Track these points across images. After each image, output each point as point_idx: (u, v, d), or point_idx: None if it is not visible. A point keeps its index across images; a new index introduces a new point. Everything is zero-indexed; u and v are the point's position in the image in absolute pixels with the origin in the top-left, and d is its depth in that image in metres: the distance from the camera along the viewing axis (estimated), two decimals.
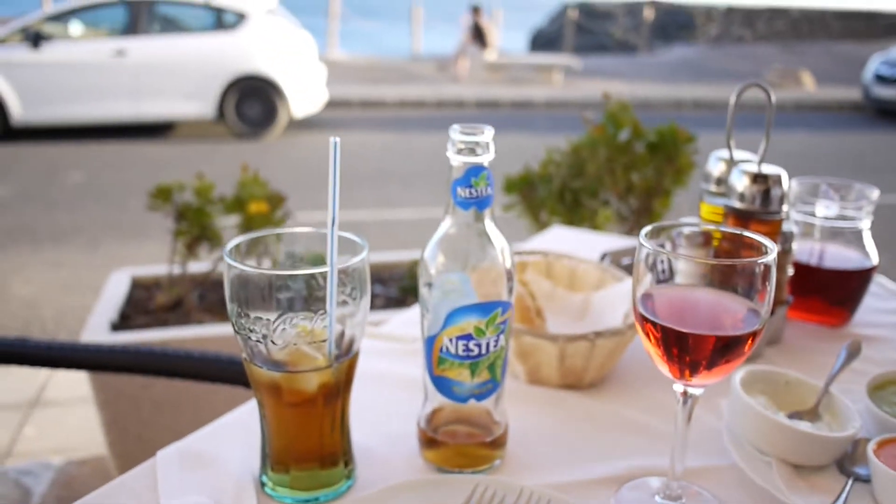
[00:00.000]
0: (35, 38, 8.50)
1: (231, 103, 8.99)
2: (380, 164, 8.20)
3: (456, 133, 0.84)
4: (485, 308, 0.86)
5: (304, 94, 9.34)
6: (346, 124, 10.55)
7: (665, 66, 18.39)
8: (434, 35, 21.29)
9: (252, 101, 9.08)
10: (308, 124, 9.98)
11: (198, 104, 8.98)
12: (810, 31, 24.81)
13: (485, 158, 0.84)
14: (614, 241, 1.85)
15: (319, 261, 0.84)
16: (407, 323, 1.34)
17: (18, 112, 8.59)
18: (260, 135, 9.15)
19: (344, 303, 0.81)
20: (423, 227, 6.12)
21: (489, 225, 0.87)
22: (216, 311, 2.43)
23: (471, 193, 0.85)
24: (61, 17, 9.06)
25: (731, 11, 26.24)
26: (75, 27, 9.19)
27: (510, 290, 0.88)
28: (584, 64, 15.61)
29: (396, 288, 2.79)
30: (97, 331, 2.19)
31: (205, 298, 2.53)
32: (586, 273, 1.37)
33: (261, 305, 0.79)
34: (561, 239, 1.88)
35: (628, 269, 1.46)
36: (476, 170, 0.84)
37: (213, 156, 8.55)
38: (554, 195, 2.37)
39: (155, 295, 2.49)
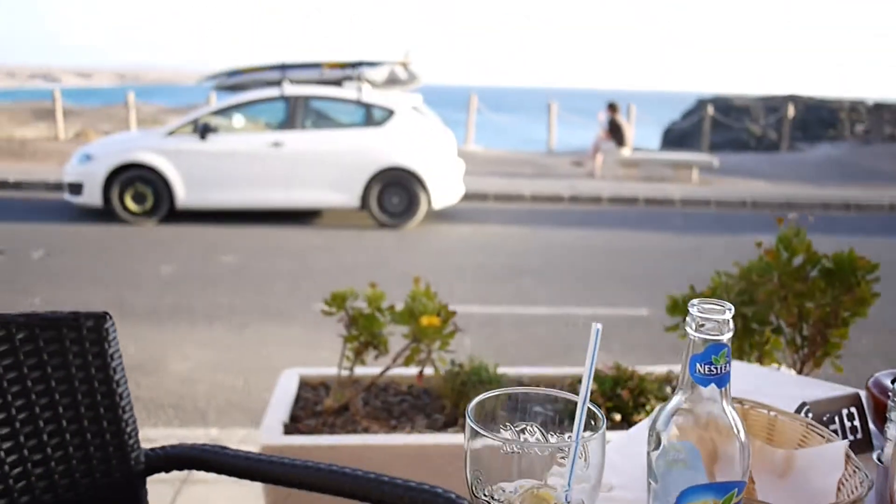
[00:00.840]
0: (203, 130, 9.30)
1: (374, 193, 9.39)
2: (514, 258, 8.27)
3: (696, 310, 0.85)
4: (722, 488, 0.84)
5: (444, 187, 9.65)
6: (482, 217, 10.76)
7: (809, 165, 17.74)
8: (569, 130, 21.58)
9: (394, 191, 9.45)
10: (445, 215, 10.26)
11: (344, 194, 9.44)
12: None
13: (725, 336, 0.84)
14: (800, 383, 1.76)
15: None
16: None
17: (183, 196, 9.33)
18: (400, 224, 9.48)
19: (581, 473, 0.82)
20: (557, 324, 6.07)
21: (726, 402, 0.86)
22: (380, 417, 2.50)
23: (710, 370, 0.85)
24: (226, 111, 9.89)
25: (878, 108, 25.19)
26: (238, 120, 9.99)
27: (745, 470, 0.87)
28: (721, 161, 15.29)
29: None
30: (272, 432, 2.30)
31: (368, 404, 2.61)
32: (787, 427, 1.31)
33: (499, 471, 0.81)
34: (739, 376, 1.81)
35: (828, 423, 1.39)
36: (717, 347, 0.84)
37: (356, 243, 8.92)
38: None
39: (322, 397, 2.60)
